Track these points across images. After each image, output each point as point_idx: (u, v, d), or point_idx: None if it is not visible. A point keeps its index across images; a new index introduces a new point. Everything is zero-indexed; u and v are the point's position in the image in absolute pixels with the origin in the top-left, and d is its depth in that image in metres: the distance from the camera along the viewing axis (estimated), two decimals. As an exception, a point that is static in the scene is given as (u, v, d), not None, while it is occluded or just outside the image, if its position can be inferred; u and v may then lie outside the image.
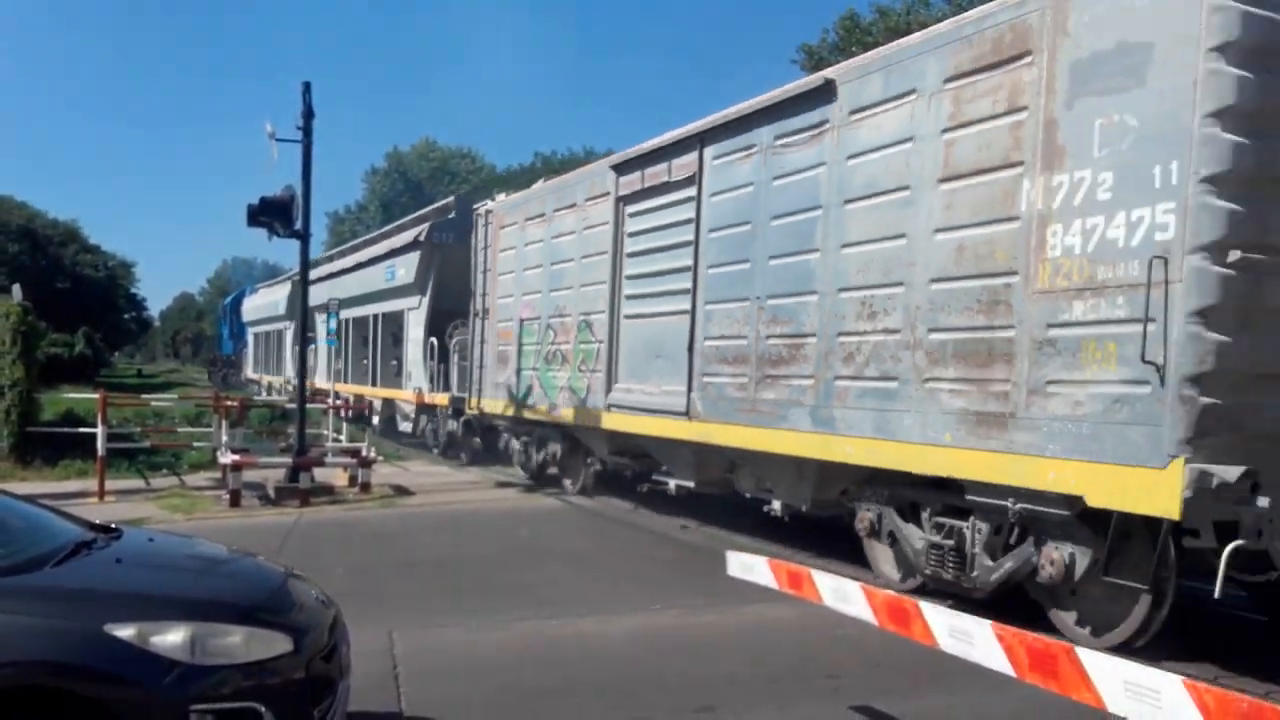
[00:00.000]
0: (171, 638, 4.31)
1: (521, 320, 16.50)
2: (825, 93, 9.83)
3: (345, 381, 26.74)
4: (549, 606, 8.99)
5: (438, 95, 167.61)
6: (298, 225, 15.59)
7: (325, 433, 20.27)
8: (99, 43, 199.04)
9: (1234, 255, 6.44)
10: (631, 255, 13.42)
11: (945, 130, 8.41)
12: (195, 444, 19.40)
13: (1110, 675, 4.07)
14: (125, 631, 4.26)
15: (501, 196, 18.34)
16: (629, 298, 13.46)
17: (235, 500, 14.72)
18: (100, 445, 15.59)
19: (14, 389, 17.94)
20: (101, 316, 72.16)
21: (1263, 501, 6.42)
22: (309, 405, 17.41)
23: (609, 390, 13.67)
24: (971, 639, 4.55)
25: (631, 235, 13.45)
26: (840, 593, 5.43)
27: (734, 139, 11.26)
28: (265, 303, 41.56)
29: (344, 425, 19.72)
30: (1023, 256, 7.66)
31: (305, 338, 17.53)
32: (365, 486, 16.17)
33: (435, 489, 16.82)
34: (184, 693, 4.24)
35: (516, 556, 11.41)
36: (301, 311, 17.02)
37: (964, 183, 8.23)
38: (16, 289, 19.46)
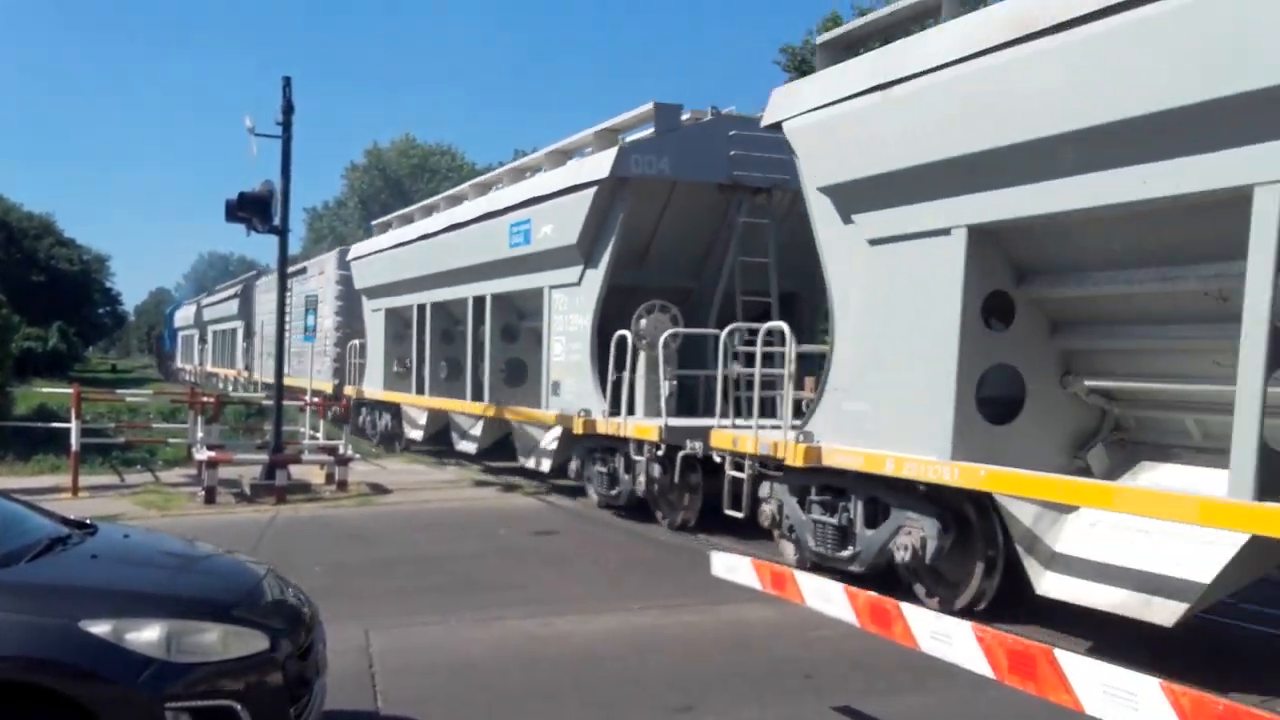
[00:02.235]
0: (147, 635, 4.27)
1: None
2: (253, 279, 39.14)
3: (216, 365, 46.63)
4: (527, 605, 8.96)
5: (418, 92, 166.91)
6: (276, 221, 15.53)
7: (302, 430, 20.19)
8: (75, 37, 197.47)
9: (340, 336, 25.73)
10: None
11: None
12: (170, 440, 19.30)
13: (1088, 677, 4.10)
14: (100, 628, 4.22)
15: (262, 279, 36.66)
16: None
17: (211, 497, 14.62)
18: (74, 440, 15.45)
19: (-14, 383, 17.81)
20: (76, 311, 71.68)
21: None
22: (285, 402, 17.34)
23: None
24: (951, 640, 4.56)
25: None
26: (822, 594, 5.44)
27: (263, 281, 35.66)
28: (185, 314, 59.65)
29: (321, 423, 19.65)
30: (313, 340, 23.65)
31: (282, 332, 17.43)
32: (342, 484, 16.11)
33: (412, 487, 16.77)
34: (159, 690, 4.20)
35: (494, 555, 11.38)
36: (279, 306, 16.96)
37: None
38: (-10, 282, 19.31)
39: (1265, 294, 6.12)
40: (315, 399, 20.44)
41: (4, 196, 66.55)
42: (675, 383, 12.74)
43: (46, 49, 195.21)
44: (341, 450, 16.73)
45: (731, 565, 6.32)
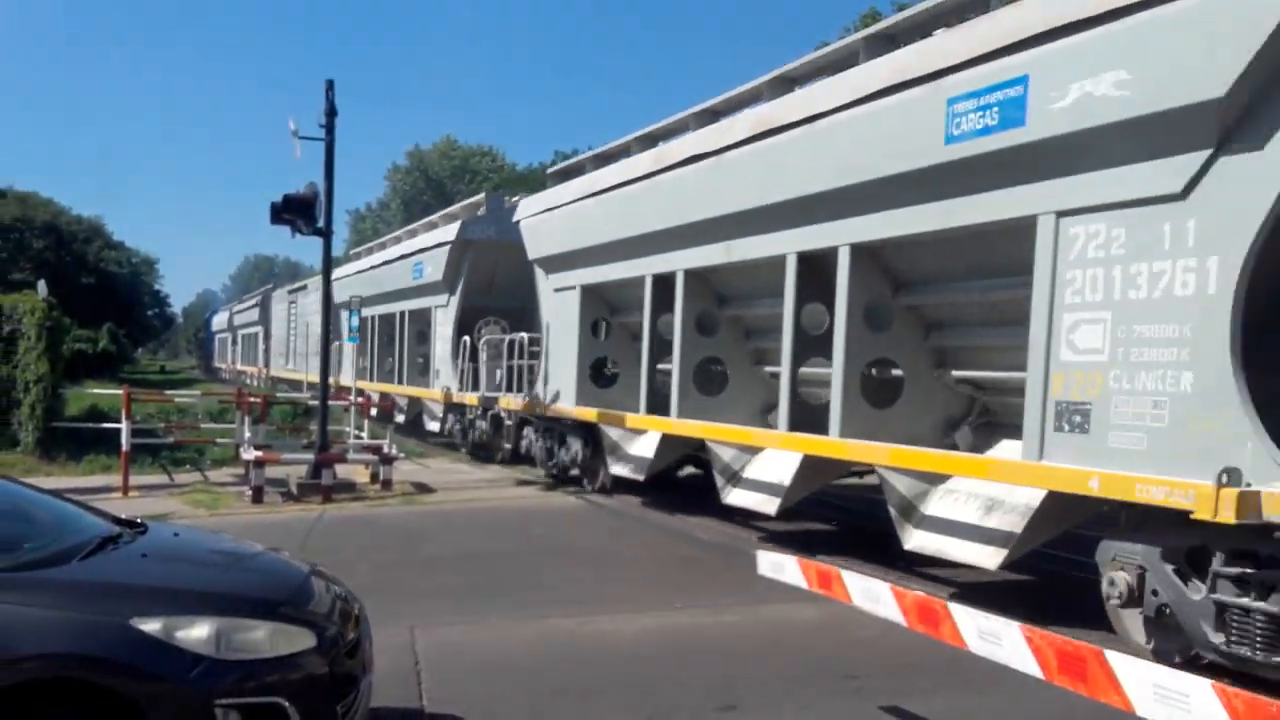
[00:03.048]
0: (197, 632, 4.33)
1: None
2: (270, 290, 48.61)
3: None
4: (568, 604, 8.99)
5: (459, 93, 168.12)
6: (320, 223, 15.64)
7: (347, 429, 20.36)
8: (124, 42, 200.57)
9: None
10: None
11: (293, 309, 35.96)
12: (218, 440, 19.52)
13: (1139, 679, 4.04)
14: (151, 625, 4.28)
15: (277, 291, 45.77)
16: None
17: (258, 496, 14.79)
18: (124, 441, 15.69)
19: (39, 384, 18.10)
20: (125, 312, 72.63)
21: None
22: (331, 402, 17.49)
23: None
24: (1000, 641, 4.51)
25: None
26: (870, 593, 5.39)
27: (278, 293, 45.38)
28: (221, 319, 70.84)
29: (365, 423, 19.81)
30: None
31: (328, 335, 17.53)
32: (387, 483, 16.23)
33: (455, 486, 16.87)
34: (209, 686, 4.26)
35: (536, 554, 11.42)
36: (324, 309, 17.06)
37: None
38: (42, 285, 19.61)
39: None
40: (359, 398, 20.59)
41: (54, 200, 67.63)
42: (503, 370, 18.77)
43: (96, 54, 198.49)
44: (386, 449, 16.85)
45: (778, 564, 6.29)
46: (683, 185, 12.25)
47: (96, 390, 26.17)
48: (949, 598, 8.25)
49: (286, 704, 4.40)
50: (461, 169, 74.82)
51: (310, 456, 15.91)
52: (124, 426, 15.86)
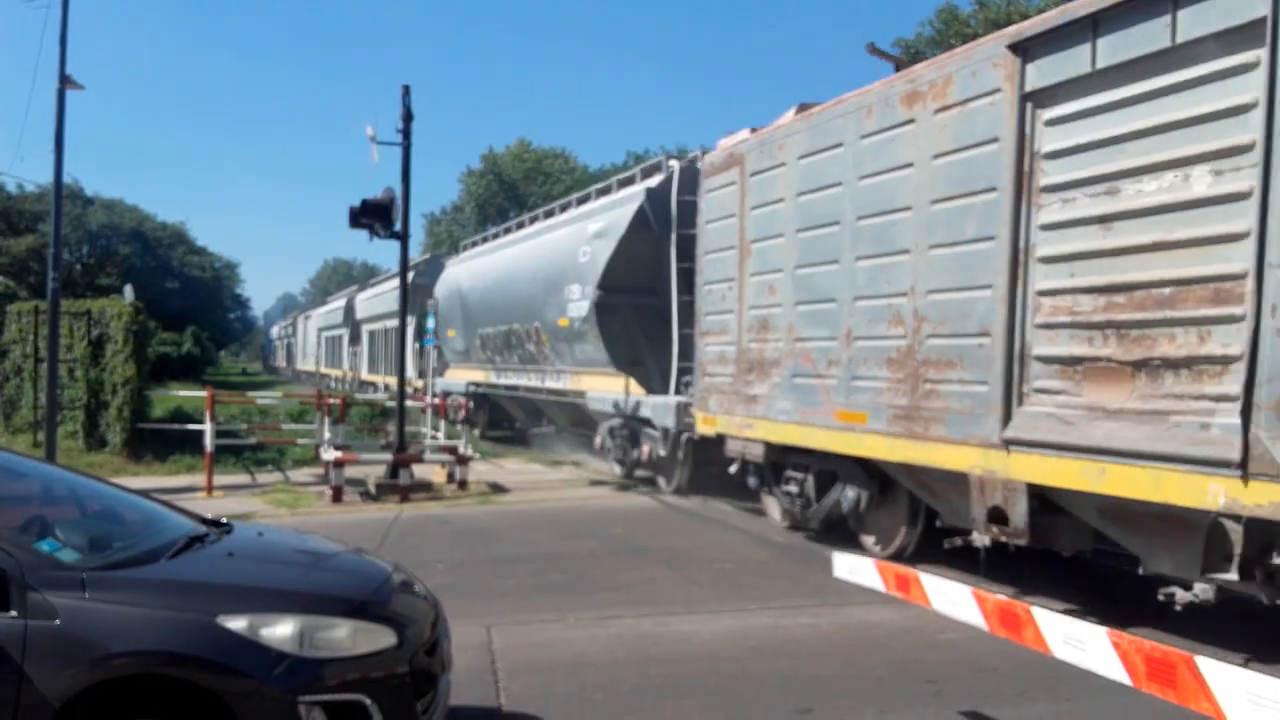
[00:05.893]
0: (281, 630, 4.40)
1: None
2: (298, 313, 78.63)
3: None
4: (644, 605, 8.99)
5: (533, 97, 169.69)
6: (397, 227, 15.84)
7: (424, 430, 20.60)
8: (205, 51, 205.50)
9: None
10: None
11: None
12: (299, 441, 19.88)
13: (1232, 685, 3.91)
14: (237, 623, 4.36)
15: (301, 315, 62.70)
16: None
17: (338, 496, 15.03)
18: (208, 441, 16.06)
19: (126, 386, 18.60)
20: (208, 316, 74.41)
21: None
22: (409, 403, 17.72)
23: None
24: (1085, 646, 4.41)
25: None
26: (949, 597, 5.31)
27: (302, 316, 69.31)
28: (275, 331, 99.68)
29: (442, 423, 20.04)
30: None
31: (403, 337, 17.76)
32: (463, 483, 16.38)
33: (529, 486, 16.98)
34: (292, 684, 4.32)
35: (611, 554, 11.44)
36: (401, 310, 17.30)
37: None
38: (128, 289, 20.15)
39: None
40: (436, 399, 20.83)
41: (139, 207, 69.52)
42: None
43: (174, 67, 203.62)
44: (462, 450, 17.01)
45: (854, 567, 6.22)
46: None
47: (181, 392, 26.79)
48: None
49: (368, 701, 4.46)
50: (535, 171, 75.12)
51: (388, 457, 16.13)
52: (208, 427, 16.23)
